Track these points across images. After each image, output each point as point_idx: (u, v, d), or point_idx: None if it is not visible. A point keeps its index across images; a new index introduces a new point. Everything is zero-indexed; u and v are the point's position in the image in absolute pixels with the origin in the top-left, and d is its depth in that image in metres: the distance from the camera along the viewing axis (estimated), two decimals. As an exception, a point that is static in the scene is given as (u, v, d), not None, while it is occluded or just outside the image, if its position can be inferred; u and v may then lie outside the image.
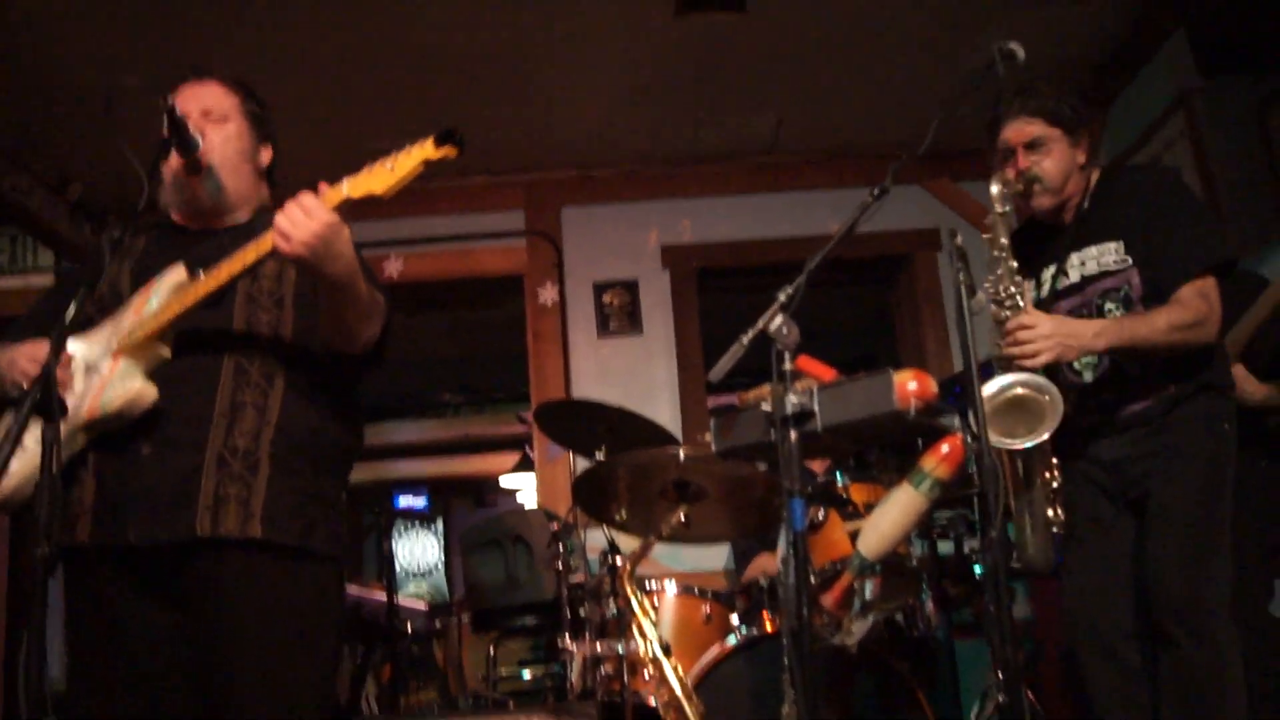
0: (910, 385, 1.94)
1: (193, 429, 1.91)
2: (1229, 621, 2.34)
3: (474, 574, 3.82)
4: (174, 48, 2.07)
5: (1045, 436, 2.28)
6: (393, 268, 4.73)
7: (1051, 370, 2.40)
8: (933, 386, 1.97)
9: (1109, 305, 2.52)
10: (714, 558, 4.38)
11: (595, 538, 4.00)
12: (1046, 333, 2.37)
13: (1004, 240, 2.48)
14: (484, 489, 9.80)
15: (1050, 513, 2.41)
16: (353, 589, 3.98)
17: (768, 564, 3.74)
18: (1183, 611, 2.33)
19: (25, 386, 1.72)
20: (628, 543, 3.35)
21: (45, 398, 1.60)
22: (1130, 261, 2.50)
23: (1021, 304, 2.46)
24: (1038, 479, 2.43)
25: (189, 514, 1.86)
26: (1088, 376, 2.55)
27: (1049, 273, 2.63)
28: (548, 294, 4.74)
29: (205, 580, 1.89)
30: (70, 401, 1.90)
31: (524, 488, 7.87)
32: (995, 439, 2.22)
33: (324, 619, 2.00)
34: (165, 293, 1.95)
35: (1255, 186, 3.60)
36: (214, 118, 2.09)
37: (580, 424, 3.44)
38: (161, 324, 1.89)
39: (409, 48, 3.87)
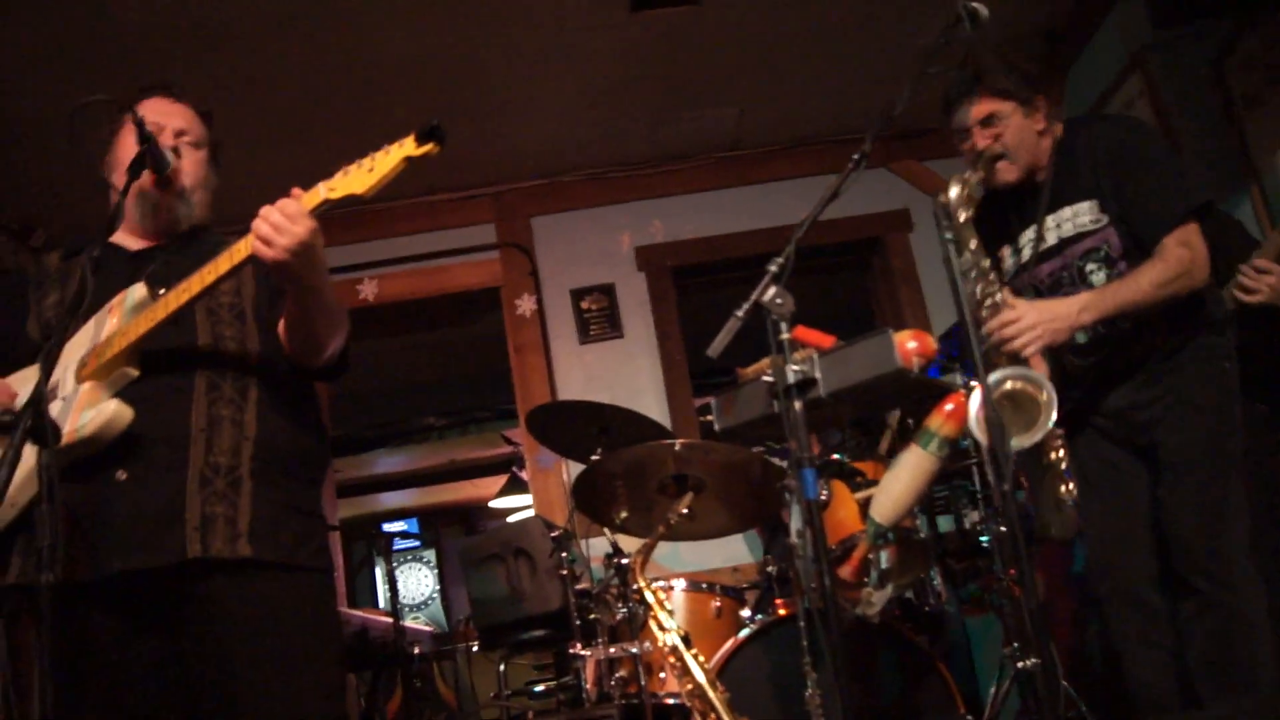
0: (910, 344, 1.94)
1: (171, 449, 1.87)
2: (1249, 565, 2.33)
3: (477, 590, 3.76)
4: (139, 78, 2.08)
5: (1043, 434, 2.24)
6: (368, 290, 4.69)
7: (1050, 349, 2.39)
8: (933, 344, 1.98)
9: (1090, 266, 2.52)
10: (716, 555, 4.36)
11: (595, 547, 3.98)
12: (1031, 322, 2.34)
13: (973, 244, 2.44)
14: (474, 515, 9.75)
15: (1063, 489, 2.39)
16: (357, 614, 3.92)
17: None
18: (1203, 561, 2.33)
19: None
20: (629, 545, 3.32)
21: (37, 424, 1.55)
22: (1105, 220, 2.50)
23: (1000, 301, 2.41)
24: (1046, 460, 2.40)
25: (178, 536, 1.81)
26: (1080, 338, 2.53)
27: (1027, 236, 2.62)
28: (525, 304, 4.71)
29: (197, 602, 1.84)
30: None
31: (514, 510, 7.81)
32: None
33: (322, 632, 1.97)
34: (124, 313, 1.91)
35: (1216, 139, 3.63)
36: (188, 140, 2.09)
37: (572, 427, 3.42)
38: (128, 344, 1.84)
39: (366, 66, 3.84)
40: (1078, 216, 2.54)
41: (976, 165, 2.52)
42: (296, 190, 1.79)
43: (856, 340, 1.95)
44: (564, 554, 3.31)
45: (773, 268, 1.96)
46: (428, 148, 1.67)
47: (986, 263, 2.45)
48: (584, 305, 4.74)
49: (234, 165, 2.28)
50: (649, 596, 2.61)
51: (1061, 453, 2.40)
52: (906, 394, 2.08)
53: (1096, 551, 2.56)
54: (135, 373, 1.88)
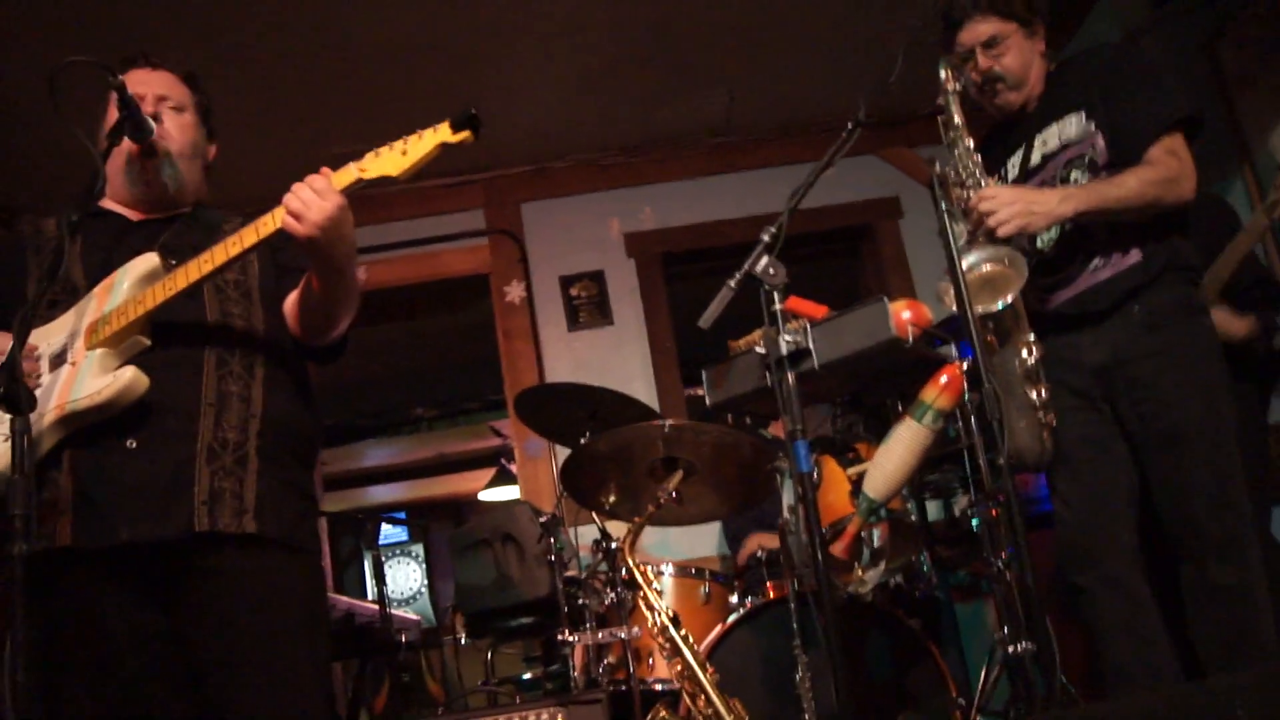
0: (905, 314, 1.92)
1: (181, 420, 1.86)
2: (1255, 539, 2.27)
3: (465, 576, 3.72)
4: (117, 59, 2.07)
5: (1013, 296, 2.20)
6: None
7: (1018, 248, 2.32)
8: (927, 313, 1.95)
9: (1074, 174, 2.46)
10: (705, 544, 4.33)
11: (583, 536, 3.94)
12: (1008, 199, 2.30)
13: (958, 119, 2.43)
14: (463, 509, 9.71)
15: (1033, 395, 2.29)
16: (343, 599, 3.87)
17: (763, 541, 3.70)
18: (1217, 543, 2.25)
19: None
20: (618, 532, 3.29)
21: (11, 389, 1.51)
22: (1093, 127, 2.44)
23: (982, 180, 2.40)
24: (1012, 344, 2.30)
25: (185, 509, 1.81)
26: (1045, 240, 2.48)
27: (1015, 159, 2.58)
28: (514, 291, 4.68)
29: (200, 574, 1.84)
30: (37, 394, 1.82)
31: (503, 502, 7.78)
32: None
33: (315, 610, 2.00)
34: (134, 281, 1.90)
35: (1209, 118, 3.60)
36: (170, 105, 2.07)
37: (561, 410, 3.37)
38: (143, 313, 1.84)
39: (355, 47, 3.80)
40: (1064, 129, 2.49)
41: (981, 90, 2.51)
42: (325, 169, 1.79)
43: (850, 309, 1.92)
44: (552, 539, 3.28)
45: (765, 237, 1.94)
46: (463, 135, 1.70)
47: (970, 141, 2.44)
48: (573, 292, 4.71)
49: (223, 147, 2.26)
50: (638, 576, 2.57)
51: (1031, 348, 2.30)
52: (901, 365, 2.05)
53: (1076, 538, 2.45)
54: (148, 342, 1.88)
